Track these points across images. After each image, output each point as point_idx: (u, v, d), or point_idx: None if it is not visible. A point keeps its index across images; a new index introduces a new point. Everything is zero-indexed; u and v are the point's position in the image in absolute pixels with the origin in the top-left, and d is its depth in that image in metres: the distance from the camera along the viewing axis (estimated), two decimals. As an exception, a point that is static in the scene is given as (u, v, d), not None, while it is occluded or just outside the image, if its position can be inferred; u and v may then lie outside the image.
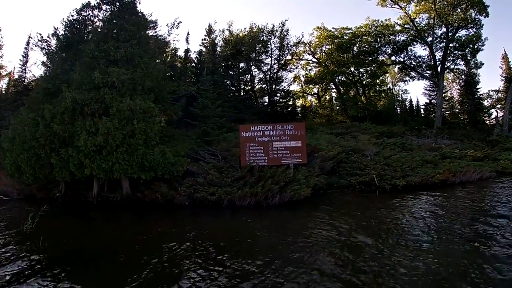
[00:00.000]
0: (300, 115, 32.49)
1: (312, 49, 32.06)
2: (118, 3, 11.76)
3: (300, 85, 34.37)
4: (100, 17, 12.25)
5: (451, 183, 14.50)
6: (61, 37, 12.22)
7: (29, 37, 17.50)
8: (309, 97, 36.76)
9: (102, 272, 6.16)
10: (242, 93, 24.38)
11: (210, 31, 25.47)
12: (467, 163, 16.10)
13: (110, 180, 12.32)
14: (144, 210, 11.41)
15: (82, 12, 12.05)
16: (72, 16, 12.07)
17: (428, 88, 31.77)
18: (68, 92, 10.42)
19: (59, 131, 10.39)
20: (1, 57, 20.08)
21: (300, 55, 32.45)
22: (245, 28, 27.89)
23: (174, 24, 20.73)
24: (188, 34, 26.94)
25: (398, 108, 32.86)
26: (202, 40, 25.39)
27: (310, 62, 33.00)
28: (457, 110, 33.12)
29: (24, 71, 16.83)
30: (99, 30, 11.80)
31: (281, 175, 12.24)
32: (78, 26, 11.98)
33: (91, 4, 12.26)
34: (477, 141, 21.23)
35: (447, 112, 32.14)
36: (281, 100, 28.39)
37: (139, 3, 12.51)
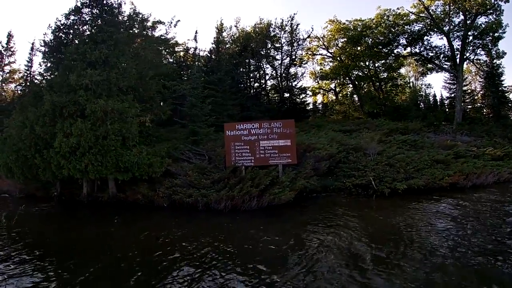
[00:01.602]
0: (314, 111, 31.44)
1: (325, 43, 30.55)
2: (98, 6, 12.00)
3: (316, 81, 33.09)
4: (84, 21, 12.56)
5: (462, 187, 12.89)
6: (48, 42, 12.80)
7: (33, 43, 18.73)
8: (327, 94, 35.22)
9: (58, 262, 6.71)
10: (251, 91, 23.80)
11: (221, 29, 25.27)
12: (484, 163, 14.20)
13: (100, 180, 12.84)
14: (124, 211, 11.54)
15: (71, 17, 12.48)
16: (60, 21, 12.61)
17: (448, 81, 29.04)
18: (49, 96, 10.84)
19: (40, 133, 10.88)
20: (14, 62, 21.74)
21: (314, 50, 31.13)
22: (254, 24, 27.50)
23: (171, 22, 20.98)
24: (196, 32, 26.97)
25: (421, 103, 30.12)
26: (214, 38, 25.39)
27: (325, 57, 31.61)
28: (479, 104, 29.93)
29: (29, 76, 18.07)
30: (80, 33, 12.19)
31: (263, 177, 11.69)
32: (65, 31, 12.44)
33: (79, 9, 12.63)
34: (498, 138, 18.76)
35: (469, 107, 29.27)
36: (293, 97, 27.36)
37: (124, 3, 12.73)
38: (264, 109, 22.55)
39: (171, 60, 23.25)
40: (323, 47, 30.70)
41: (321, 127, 19.97)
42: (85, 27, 12.34)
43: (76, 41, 11.92)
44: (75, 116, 10.99)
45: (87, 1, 12.14)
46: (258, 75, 26.43)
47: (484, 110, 29.29)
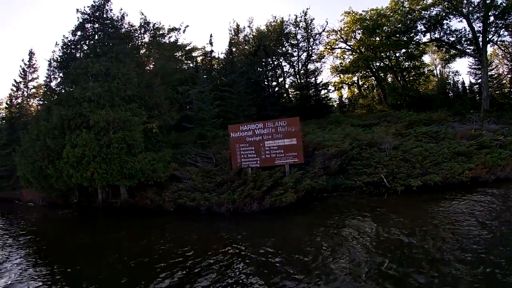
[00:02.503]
0: (341, 107, 30.32)
1: (343, 36, 29.33)
2: (99, 21, 12.43)
3: (338, 75, 31.82)
4: (87, 36, 13.05)
5: (485, 181, 11.69)
6: (56, 58, 13.49)
7: (49, 59, 20.03)
8: (351, 88, 33.83)
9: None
10: (269, 90, 23.35)
11: (237, 30, 25.15)
12: (510, 153, 12.84)
13: (113, 187, 13.36)
14: (133, 216, 11.93)
15: (78, 32, 13.04)
16: (67, 38, 13.23)
17: (473, 66, 26.57)
18: (57, 109, 11.42)
19: (51, 145, 11.49)
20: (37, 78, 23.02)
21: (333, 44, 29.94)
22: (267, 23, 26.93)
23: (179, 29, 21.35)
24: (211, 36, 27.13)
25: (450, 92, 27.91)
26: (230, 40, 25.35)
27: (345, 50, 30.32)
28: (508, 89, 27.16)
29: (48, 90, 19.17)
30: (84, 48, 12.72)
31: (265, 179, 11.46)
32: (73, 47, 13.04)
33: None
34: None
35: (497, 92, 26.71)
36: (313, 93, 26.52)
37: (127, 15, 13.10)
38: (281, 108, 22.17)
39: (191, 65, 23.64)
40: (341, 40, 29.61)
41: (340, 123, 19.23)
42: (90, 42, 12.81)
43: (81, 56, 12.43)
44: (81, 127, 11.48)
45: (88, 17, 12.65)
46: (275, 74, 25.93)
47: (512, 96, 26.84)
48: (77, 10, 12.45)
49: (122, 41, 12.88)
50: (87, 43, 12.74)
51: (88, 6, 12.63)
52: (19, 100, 20.45)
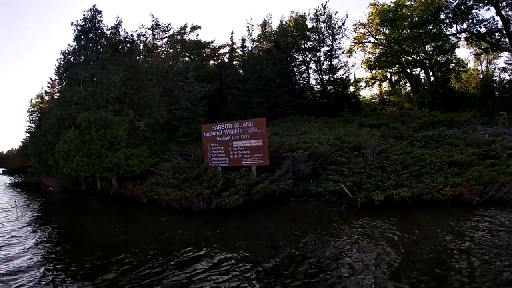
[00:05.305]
0: (370, 104, 27.77)
1: (369, 30, 26.67)
2: (91, 32, 14.01)
3: (370, 71, 29.09)
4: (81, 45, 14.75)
5: (468, 202, 9.61)
6: (59, 66, 15.51)
7: (55, 65, 21.72)
8: (381, 84, 30.67)
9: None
10: (289, 86, 22.37)
11: (265, 25, 24.75)
12: None
13: (108, 177, 15.08)
14: (116, 203, 13.50)
15: (74, 43, 14.86)
16: (71, 46, 15.13)
17: (509, 62, 22.13)
18: (54, 110, 13.40)
19: (51, 140, 13.55)
20: None
21: (361, 37, 27.45)
22: (291, 17, 25.70)
23: (184, 30, 21.91)
24: (232, 33, 27.16)
25: (497, 91, 22.95)
26: (258, 36, 25.23)
27: (375, 44, 27.41)
28: None
29: (51, 93, 21.63)
30: (79, 56, 14.48)
31: (219, 179, 11.61)
32: (71, 56, 14.86)
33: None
34: None
35: None
36: (332, 90, 24.72)
37: (122, 22, 14.48)
38: (295, 105, 21.37)
39: (213, 62, 24.45)
40: (368, 34, 27.11)
41: (351, 122, 17.84)
42: (84, 51, 14.55)
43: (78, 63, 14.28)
44: (72, 126, 13.25)
45: (80, 28, 14.33)
46: (293, 70, 24.87)
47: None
48: (72, 23, 14.34)
49: (111, 49, 14.27)
50: (82, 52, 14.48)
51: (81, 19, 14.42)
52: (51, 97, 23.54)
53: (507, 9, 19.80)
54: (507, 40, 20.46)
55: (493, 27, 20.86)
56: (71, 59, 14.67)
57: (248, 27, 25.85)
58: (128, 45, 15.33)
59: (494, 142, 12.02)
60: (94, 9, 14.60)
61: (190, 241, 7.90)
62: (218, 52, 26.30)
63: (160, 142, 15.22)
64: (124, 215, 11.87)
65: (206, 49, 25.47)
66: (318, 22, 24.04)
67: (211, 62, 26.21)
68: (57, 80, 16.23)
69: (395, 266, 5.78)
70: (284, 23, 24.82)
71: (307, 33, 24.09)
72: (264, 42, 25.71)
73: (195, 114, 15.27)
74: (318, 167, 12.90)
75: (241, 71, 22.68)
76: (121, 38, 15.02)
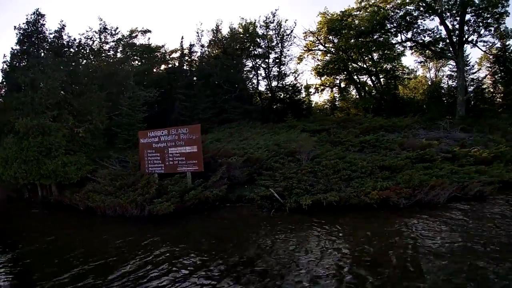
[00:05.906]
0: (321, 110, 28.43)
1: (319, 38, 27.31)
2: (33, 36, 14.03)
3: (319, 78, 29.69)
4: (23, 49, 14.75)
5: (396, 205, 9.72)
6: (3, 69, 15.45)
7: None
8: (331, 90, 31.61)
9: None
10: (233, 93, 22.32)
11: (216, 31, 24.75)
12: (455, 168, 10.51)
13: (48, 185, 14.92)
14: (54, 211, 13.32)
15: (18, 47, 14.78)
16: (15, 50, 15.00)
17: (453, 69, 23.22)
18: (-7, 116, 13.37)
19: (-8, 146, 13.50)
20: None
21: (310, 45, 27.98)
22: (240, 24, 25.73)
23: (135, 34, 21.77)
24: (182, 38, 27.46)
25: (444, 97, 23.75)
26: (209, 41, 25.34)
27: (324, 51, 28.12)
28: (490, 94, 23.76)
29: None
30: (20, 61, 14.49)
31: (151, 187, 11.54)
32: (15, 60, 14.78)
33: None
34: (502, 133, 13.13)
35: (479, 97, 23.48)
36: (280, 96, 25.07)
37: (65, 26, 14.62)
38: (243, 111, 21.37)
39: (164, 67, 24.69)
40: (318, 42, 27.71)
41: (295, 128, 17.80)
42: (26, 56, 14.53)
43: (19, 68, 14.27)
44: (11, 132, 13.21)
45: (22, 31, 14.34)
46: (241, 76, 24.77)
47: (494, 101, 23.44)
48: (15, 27, 14.35)
49: (53, 53, 14.25)
50: (24, 56, 14.49)
51: (23, 23, 14.48)
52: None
53: (451, 19, 20.73)
54: (451, 48, 21.06)
55: (437, 36, 21.73)
56: (14, 63, 14.68)
57: (198, 32, 26.15)
58: (72, 49, 15.34)
59: (431, 146, 11.95)
60: (37, 12, 14.55)
61: (115, 247, 8.07)
62: (170, 56, 26.66)
63: (101, 149, 15.11)
64: (59, 223, 11.72)
65: (156, 53, 25.72)
66: (267, 29, 24.39)
67: (163, 66, 26.40)
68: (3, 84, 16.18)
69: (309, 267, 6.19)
70: (233, 30, 25.00)
71: (257, 39, 24.37)
72: (215, 47, 25.82)
73: (134, 120, 15.24)
74: (254, 173, 12.82)
75: (190, 76, 22.70)
76: (64, 42, 15.06)
